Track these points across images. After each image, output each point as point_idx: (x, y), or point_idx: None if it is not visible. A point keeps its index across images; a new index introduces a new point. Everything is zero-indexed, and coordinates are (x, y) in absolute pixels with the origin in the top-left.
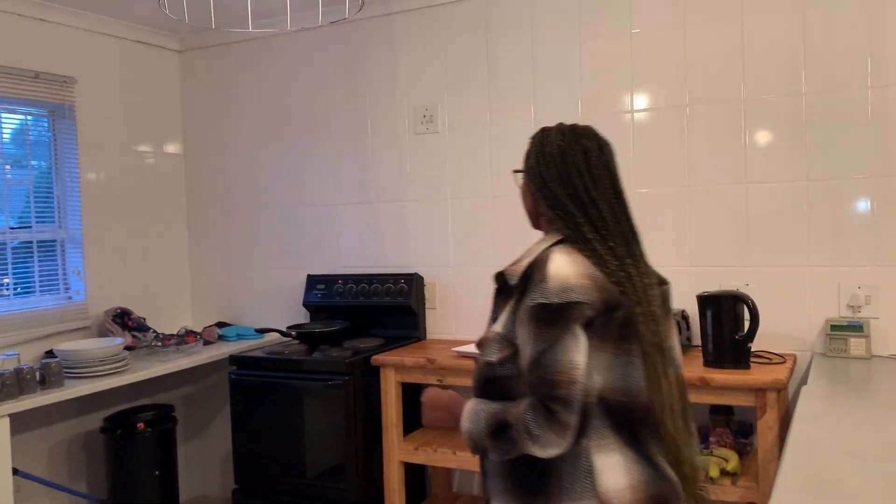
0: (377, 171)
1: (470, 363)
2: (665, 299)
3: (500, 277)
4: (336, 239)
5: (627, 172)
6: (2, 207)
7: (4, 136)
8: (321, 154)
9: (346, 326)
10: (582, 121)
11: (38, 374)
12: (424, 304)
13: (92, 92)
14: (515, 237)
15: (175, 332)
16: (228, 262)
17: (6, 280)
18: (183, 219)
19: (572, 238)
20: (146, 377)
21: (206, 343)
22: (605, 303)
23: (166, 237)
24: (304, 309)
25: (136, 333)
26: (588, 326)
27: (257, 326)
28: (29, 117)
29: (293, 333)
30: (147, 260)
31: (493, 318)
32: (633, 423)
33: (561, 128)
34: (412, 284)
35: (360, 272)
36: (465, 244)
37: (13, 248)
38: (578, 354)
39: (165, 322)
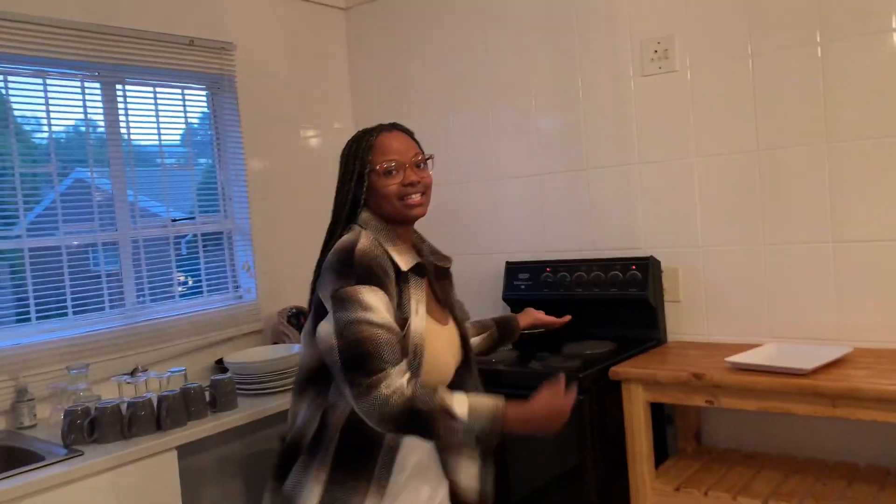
0: (591, 129)
1: (754, 380)
2: None
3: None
4: (540, 217)
5: None
6: (162, 197)
7: (161, 113)
8: (516, 117)
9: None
10: None
11: (208, 394)
12: (663, 296)
13: (252, 60)
14: (791, 202)
15: None
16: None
17: (181, 277)
18: None
19: None
20: None
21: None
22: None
23: None
24: (503, 304)
25: None
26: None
27: None
28: (186, 91)
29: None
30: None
31: None
32: None
33: None
34: (647, 271)
35: (574, 257)
36: (721, 216)
37: (176, 243)
38: None
39: None
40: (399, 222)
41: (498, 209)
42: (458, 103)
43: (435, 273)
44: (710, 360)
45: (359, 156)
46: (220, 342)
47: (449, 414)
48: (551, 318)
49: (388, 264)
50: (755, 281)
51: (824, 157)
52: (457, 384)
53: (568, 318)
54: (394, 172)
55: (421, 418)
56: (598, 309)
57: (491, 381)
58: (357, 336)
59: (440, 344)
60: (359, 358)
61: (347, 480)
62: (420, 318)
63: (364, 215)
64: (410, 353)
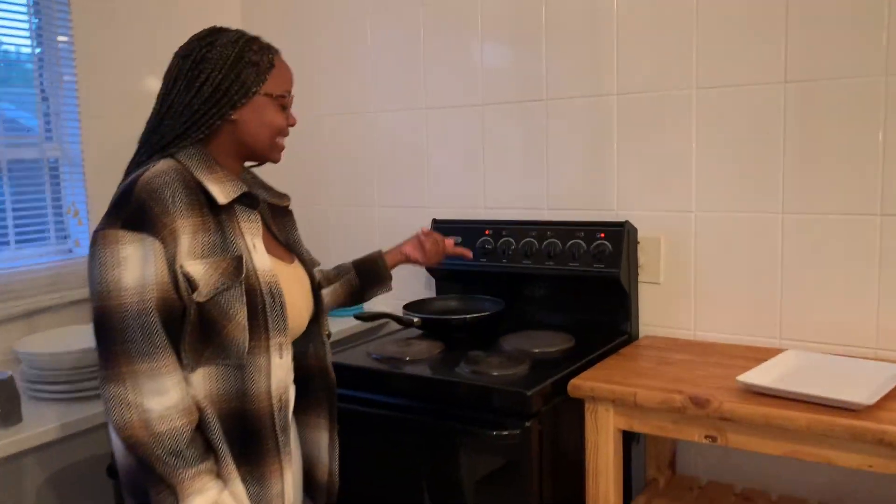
0: (554, 45)
1: (784, 415)
2: None
3: None
4: (480, 162)
5: None
6: None
7: None
8: (455, 25)
9: (501, 310)
10: None
11: None
12: (637, 275)
13: None
14: (828, 156)
15: None
16: (309, 197)
17: None
18: None
19: None
20: None
21: None
22: None
23: None
24: (426, 275)
25: None
26: None
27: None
28: None
29: (415, 319)
30: None
31: None
32: None
33: None
34: (620, 241)
35: (524, 217)
36: (726, 172)
37: None
38: None
39: None
40: (244, 158)
41: (424, 149)
42: (381, 11)
43: (271, 212)
44: (706, 373)
45: (255, 68)
46: (33, 313)
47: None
48: (433, 247)
49: (195, 198)
50: (768, 261)
51: (881, 94)
52: (303, 343)
53: (467, 253)
54: (287, 107)
55: (148, 472)
56: (552, 289)
57: (407, 392)
58: (102, 303)
59: (289, 286)
60: (99, 332)
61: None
62: (261, 254)
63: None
64: (262, 298)
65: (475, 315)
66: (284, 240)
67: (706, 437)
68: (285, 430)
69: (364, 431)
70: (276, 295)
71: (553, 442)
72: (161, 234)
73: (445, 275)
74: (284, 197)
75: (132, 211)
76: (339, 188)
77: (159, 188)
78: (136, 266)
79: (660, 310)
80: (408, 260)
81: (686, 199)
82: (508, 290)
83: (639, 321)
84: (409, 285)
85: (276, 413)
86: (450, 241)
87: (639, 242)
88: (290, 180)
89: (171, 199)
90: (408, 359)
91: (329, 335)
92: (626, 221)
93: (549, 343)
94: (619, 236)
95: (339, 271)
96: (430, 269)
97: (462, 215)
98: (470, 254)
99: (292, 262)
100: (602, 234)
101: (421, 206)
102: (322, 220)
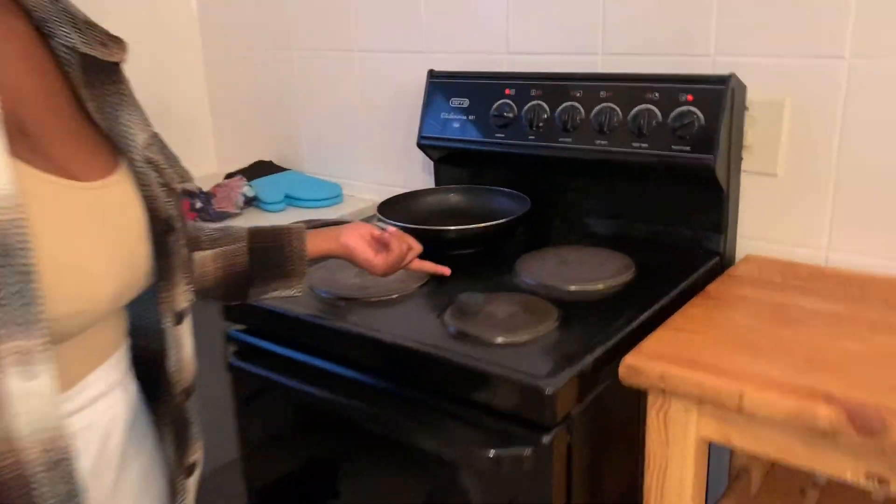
0: None
1: None
2: None
3: None
4: None
5: None
6: None
7: None
8: None
9: (522, 214)
10: None
11: None
12: (741, 162)
13: None
14: None
15: None
16: (270, 40)
17: None
18: None
19: None
20: None
21: (213, 216)
22: None
23: None
24: (423, 159)
25: None
26: None
27: (329, 176)
28: None
29: (388, 228)
30: None
31: None
32: None
33: None
34: (716, 107)
35: (564, 69)
36: None
37: None
38: None
39: None
40: None
41: None
42: None
43: (82, 70)
44: (864, 343)
45: None
46: None
47: None
48: (396, 258)
49: None
50: None
51: None
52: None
53: (445, 270)
54: None
55: None
56: (605, 182)
57: (354, 366)
58: None
59: (68, 229)
60: None
61: None
62: None
63: None
64: None
65: (481, 226)
66: (107, 127)
67: (869, 477)
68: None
69: (285, 426)
70: (9, 250)
71: (591, 459)
72: None
73: (448, 156)
74: (113, 45)
75: None
76: (307, 27)
77: None
78: None
79: (773, 217)
80: (349, 257)
81: (835, 36)
82: (537, 182)
83: (737, 234)
84: (397, 159)
85: (36, 479)
86: (426, 264)
87: (747, 109)
88: (241, 16)
89: None
90: (369, 298)
91: (181, 314)
92: (731, 75)
93: (593, 273)
94: (718, 99)
95: (226, 235)
96: (426, 149)
97: (472, 66)
98: (448, 271)
99: (108, 174)
100: (689, 96)
101: (414, 51)
102: (283, 73)
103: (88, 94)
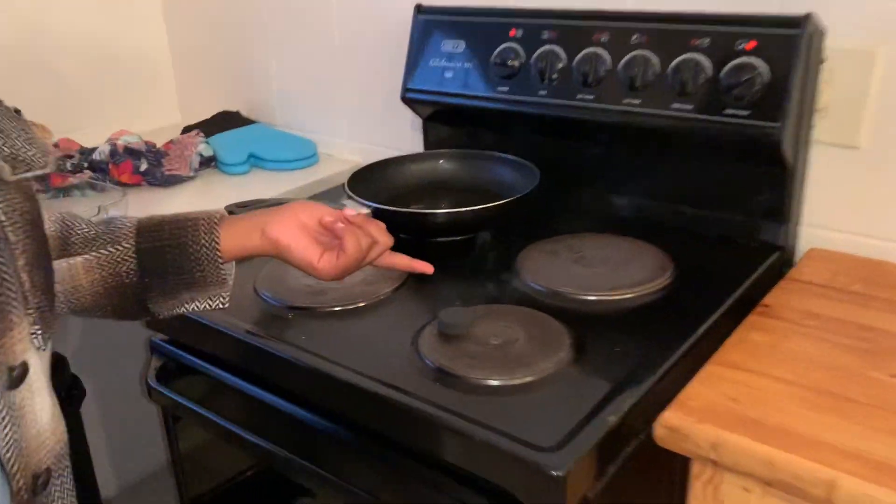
0: None
1: None
2: None
3: None
4: None
5: None
6: None
7: None
8: None
9: (530, 191)
10: None
11: None
12: (811, 129)
13: None
14: None
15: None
16: None
17: None
18: None
19: None
20: None
21: (160, 181)
22: None
23: None
24: (412, 117)
25: None
26: None
27: (303, 131)
28: None
29: (364, 210)
30: None
31: None
32: None
33: None
34: (786, 58)
35: (584, 5)
36: None
37: None
38: None
39: (101, 124)
40: None
41: None
42: None
43: None
44: None
45: None
46: None
47: None
48: (354, 252)
49: None
50: None
51: None
52: None
53: (425, 268)
54: None
55: None
56: (636, 150)
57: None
58: None
59: None
60: None
61: None
62: None
63: None
64: None
65: (476, 208)
66: None
67: None
68: None
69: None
70: None
71: None
72: None
73: (439, 112)
74: None
75: None
76: None
77: None
78: None
79: (851, 201)
80: (282, 256)
81: None
82: (547, 149)
83: (800, 219)
84: (380, 123)
85: None
86: (399, 260)
87: (823, 61)
88: None
89: None
90: (325, 307)
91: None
92: (807, 15)
93: (619, 274)
94: (788, 47)
95: (104, 233)
96: (412, 104)
97: (470, 0)
98: (430, 269)
99: None
100: (749, 44)
101: None
102: (250, 6)
103: None
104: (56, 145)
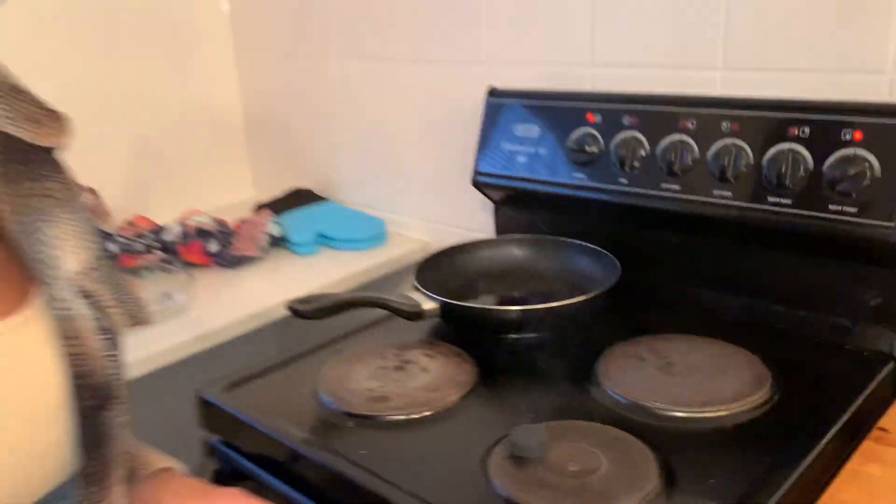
0: None
1: None
2: None
3: None
4: None
5: None
6: None
7: None
8: None
9: (612, 286)
10: None
11: None
12: None
13: None
14: None
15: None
16: (309, 47)
17: None
18: None
19: None
20: None
21: (229, 262)
22: None
23: None
24: (482, 201)
25: None
26: None
27: (371, 209)
28: None
29: (425, 307)
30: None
31: None
32: None
33: None
34: (895, 147)
35: (669, 90)
36: None
37: None
38: None
39: (168, 203)
40: None
41: None
42: None
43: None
44: None
45: None
46: None
47: None
48: None
49: None
50: None
51: None
52: None
53: None
54: None
55: None
56: (727, 249)
57: None
58: None
59: None
60: None
61: None
62: None
63: None
64: None
65: (553, 305)
66: (24, 242)
67: None
68: None
69: None
70: None
71: None
72: None
73: (511, 197)
74: (48, 123)
75: None
76: (335, 28)
77: None
78: None
79: None
80: None
81: None
82: (628, 241)
83: None
84: (451, 203)
85: None
86: None
87: None
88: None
89: None
90: (387, 415)
91: None
92: None
93: (711, 386)
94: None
95: None
96: (483, 188)
97: (545, 83)
98: None
99: (13, 310)
100: (857, 133)
101: (471, 60)
102: (321, 84)
103: (4, 192)
104: (131, 223)
